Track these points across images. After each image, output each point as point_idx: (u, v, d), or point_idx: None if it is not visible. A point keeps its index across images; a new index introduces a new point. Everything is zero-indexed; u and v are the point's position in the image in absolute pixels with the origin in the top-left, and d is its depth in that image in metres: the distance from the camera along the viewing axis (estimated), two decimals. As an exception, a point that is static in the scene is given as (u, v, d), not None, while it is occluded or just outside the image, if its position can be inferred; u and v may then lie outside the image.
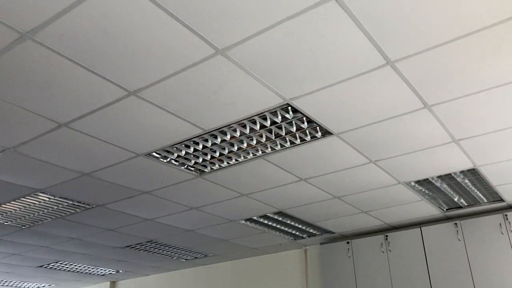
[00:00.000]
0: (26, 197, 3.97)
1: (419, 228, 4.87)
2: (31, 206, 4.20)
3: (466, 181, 3.89)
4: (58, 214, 4.45)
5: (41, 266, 6.70)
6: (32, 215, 4.44)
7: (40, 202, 4.10)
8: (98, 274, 7.43)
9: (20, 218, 4.53)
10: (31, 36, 2.06)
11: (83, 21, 1.98)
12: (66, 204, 4.17)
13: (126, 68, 2.31)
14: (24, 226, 4.77)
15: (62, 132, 2.91)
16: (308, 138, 3.12)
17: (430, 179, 3.85)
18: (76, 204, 4.19)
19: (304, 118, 2.87)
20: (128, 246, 5.77)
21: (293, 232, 5.33)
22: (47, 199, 4.04)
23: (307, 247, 6.03)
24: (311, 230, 5.28)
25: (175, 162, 3.42)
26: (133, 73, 2.35)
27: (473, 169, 3.66)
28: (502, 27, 2.12)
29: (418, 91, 2.61)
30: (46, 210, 4.33)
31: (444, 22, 2.07)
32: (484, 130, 3.06)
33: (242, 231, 5.25)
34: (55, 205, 4.20)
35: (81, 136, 2.97)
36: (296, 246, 6.02)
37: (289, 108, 2.75)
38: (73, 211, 4.39)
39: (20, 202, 4.10)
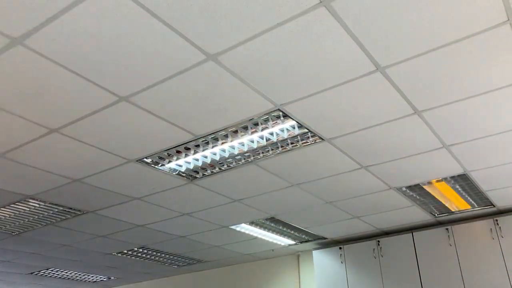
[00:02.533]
0: (16, 203, 3.94)
1: (411, 233, 4.89)
2: (21, 213, 4.17)
3: (457, 186, 3.91)
4: (48, 221, 4.42)
5: (31, 273, 6.63)
6: (22, 221, 4.40)
7: (30, 208, 4.07)
8: (89, 281, 7.37)
9: (10, 225, 4.49)
10: (21, 42, 2.05)
11: (74, 26, 1.98)
12: (56, 210, 4.14)
13: (116, 73, 2.31)
14: (14, 232, 4.73)
15: (52, 137, 2.89)
16: (300, 144, 3.13)
17: (421, 185, 3.87)
18: (67, 210, 4.16)
19: (295, 124, 2.88)
20: (119, 253, 5.73)
21: (286, 238, 5.33)
22: (38, 205, 4.01)
23: (300, 252, 6.03)
24: (303, 236, 5.28)
25: (166, 168, 3.42)
26: (124, 78, 2.35)
27: (464, 175, 3.68)
28: (490, 34, 2.14)
29: (408, 97, 2.63)
30: (36, 217, 4.29)
31: (433, 28, 2.09)
32: (474, 136, 3.09)
33: (234, 237, 5.24)
34: (46, 211, 4.17)
35: (72, 141, 2.96)
36: (288, 252, 6.01)
37: (280, 113, 2.76)
38: (64, 217, 4.36)
39: (10, 209, 4.06)
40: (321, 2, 1.91)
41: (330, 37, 2.11)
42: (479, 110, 2.78)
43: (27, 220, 4.37)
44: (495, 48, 2.24)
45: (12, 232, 4.72)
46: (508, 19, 2.05)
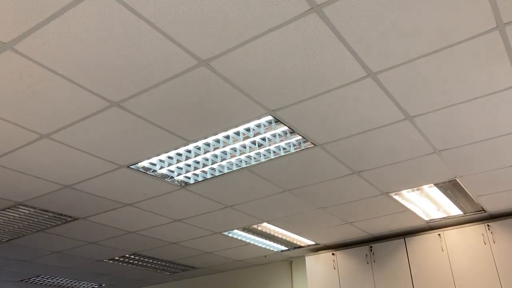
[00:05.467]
0: (6, 209, 3.90)
1: (403, 239, 4.90)
2: (10, 219, 4.12)
3: (448, 191, 3.93)
4: (39, 227, 4.38)
5: (21, 281, 6.55)
6: (12, 228, 4.36)
7: (20, 214, 4.02)
8: (80, 288, 7.30)
9: (-1, 232, 4.44)
10: (11, 46, 2.04)
11: (65, 32, 1.97)
12: (47, 216, 4.10)
13: (108, 78, 2.30)
14: (4, 239, 4.67)
15: (43, 143, 2.87)
16: (292, 149, 3.13)
17: (413, 190, 3.88)
18: (58, 216, 4.12)
19: (288, 129, 2.88)
20: (111, 259, 5.69)
21: (278, 243, 5.31)
22: (28, 212, 3.97)
23: (292, 258, 6.01)
24: (296, 242, 5.27)
25: (158, 174, 3.40)
26: (115, 83, 2.34)
27: (455, 180, 3.70)
28: (480, 40, 2.16)
29: (399, 103, 2.64)
30: (26, 223, 4.25)
31: (424, 34, 2.11)
32: (465, 141, 3.11)
33: (227, 243, 5.22)
34: (36, 218, 4.13)
35: (62, 147, 2.94)
36: (281, 258, 5.99)
37: (272, 119, 2.76)
38: (54, 224, 4.32)
39: (0, 215, 4.02)
40: (312, 8, 1.91)
41: (321, 43, 2.12)
42: (469, 116, 2.80)
43: (17, 226, 4.33)
44: (484, 54, 2.26)
45: (2, 239, 4.67)
46: (497, 26, 2.08)
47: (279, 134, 2.94)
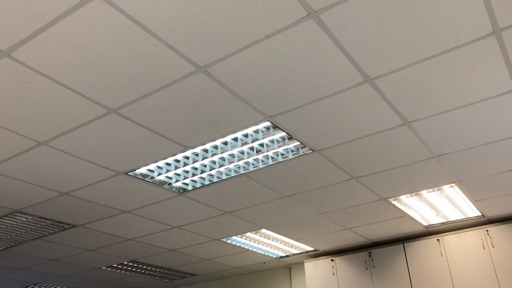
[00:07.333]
0: (3, 217, 3.88)
1: (402, 244, 4.89)
2: (8, 227, 4.11)
3: (447, 196, 3.93)
4: (36, 235, 4.36)
5: (19, 289, 6.52)
6: (9, 235, 4.33)
7: (17, 222, 4.01)
8: (78, 296, 7.25)
9: (-3, 239, 4.42)
10: (8, 54, 2.04)
11: (62, 39, 1.97)
12: (45, 224, 4.09)
13: (105, 85, 2.30)
14: (1, 247, 4.65)
15: (41, 150, 2.86)
16: (290, 155, 3.12)
17: (411, 195, 3.88)
18: (56, 224, 4.11)
19: (286, 135, 2.88)
20: (109, 267, 5.66)
21: (277, 250, 5.30)
22: (25, 219, 3.95)
23: (291, 265, 5.99)
24: (295, 248, 5.25)
25: (156, 181, 3.39)
26: (113, 90, 2.34)
27: (453, 185, 3.70)
28: (476, 45, 2.17)
29: (397, 108, 2.64)
30: (24, 231, 4.23)
31: (421, 40, 2.12)
32: (463, 146, 3.11)
33: (226, 250, 5.20)
34: (34, 225, 4.11)
35: (60, 154, 2.93)
36: (280, 264, 5.97)
37: (270, 125, 2.76)
38: (52, 231, 4.30)
39: (-3, 223, 4.01)
40: (309, 14, 1.92)
41: (319, 48, 2.13)
42: (467, 121, 2.81)
43: (14, 234, 4.31)
44: (481, 59, 2.27)
45: (-1, 247, 4.65)
46: (494, 31, 2.08)
47: (277, 140, 2.94)
